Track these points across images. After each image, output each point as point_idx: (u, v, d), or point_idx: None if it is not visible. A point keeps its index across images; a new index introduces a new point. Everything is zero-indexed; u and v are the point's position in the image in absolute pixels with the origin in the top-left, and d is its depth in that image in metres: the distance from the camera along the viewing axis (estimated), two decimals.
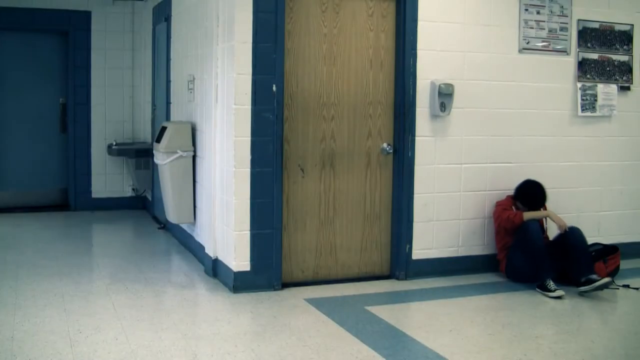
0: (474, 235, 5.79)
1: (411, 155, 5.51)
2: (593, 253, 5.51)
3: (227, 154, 5.18)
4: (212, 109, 5.44)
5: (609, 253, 5.60)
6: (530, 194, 5.58)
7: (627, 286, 5.44)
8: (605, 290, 5.32)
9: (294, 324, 4.46)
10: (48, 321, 4.38)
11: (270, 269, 5.18)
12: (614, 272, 5.58)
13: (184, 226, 6.57)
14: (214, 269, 5.49)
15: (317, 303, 4.90)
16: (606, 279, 5.16)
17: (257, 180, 5.09)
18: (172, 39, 7.02)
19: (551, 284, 5.19)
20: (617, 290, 5.39)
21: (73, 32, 8.41)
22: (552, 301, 5.11)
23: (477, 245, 5.82)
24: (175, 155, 6.07)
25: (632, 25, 6.33)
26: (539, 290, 5.26)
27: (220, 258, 5.42)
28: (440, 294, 5.26)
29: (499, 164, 5.82)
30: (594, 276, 5.18)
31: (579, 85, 6.11)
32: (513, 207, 5.57)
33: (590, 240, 5.56)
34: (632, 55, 6.36)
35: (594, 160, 6.10)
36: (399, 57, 5.48)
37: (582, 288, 5.19)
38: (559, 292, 5.15)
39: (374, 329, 4.42)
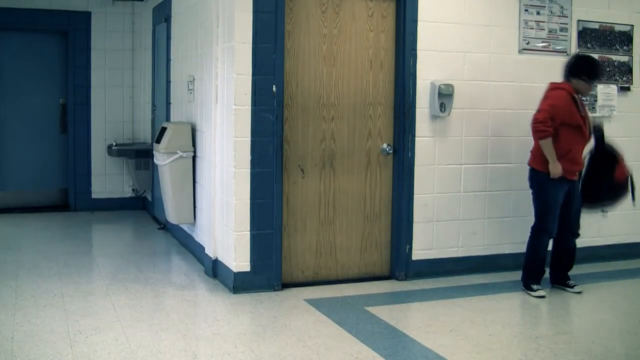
0: (474, 235, 5.79)
1: (411, 156, 5.50)
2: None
3: (227, 154, 5.18)
4: (212, 110, 5.44)
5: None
6: (592, 64, 5.23)
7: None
8: (606, 291, 5.38)
9: (294, 325, 4.46)
10: (48, 321, 4.38)
11: (270, 270, 5.18)
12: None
13: (184, 226, 6.56)
14: (214, 270, 5.49)
15: (317, 303, 4.90)
16: (577, 289, 5.30)
17: (257, 180, 5.09)
18: (172, 40, 7.02)
19: (534, 286, 5.25)
20: (617, 287, 5.41)
21: (73, 32, 8.41)
22: (552, 302, 5.12)
23: (477, 246, 5.81)
24: (175, 156, 6.07)
25: (632, 25, 6.33)
26: (523, 289, 5.31)
27: (220, 258, 5.42)
28: (440, 294, 5.26)
29: (499, 164, 5.81)
30: (571, 282, 5.36)
31: None
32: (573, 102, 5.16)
33: (589, 241, 5.56)
34: (632, 56, 6.36)
35: None
36: (398, 58, 5.48)
37: (556, 285, 5.43)
38: (541, 292, 5.21)
39: (374, 329, 4.42)
